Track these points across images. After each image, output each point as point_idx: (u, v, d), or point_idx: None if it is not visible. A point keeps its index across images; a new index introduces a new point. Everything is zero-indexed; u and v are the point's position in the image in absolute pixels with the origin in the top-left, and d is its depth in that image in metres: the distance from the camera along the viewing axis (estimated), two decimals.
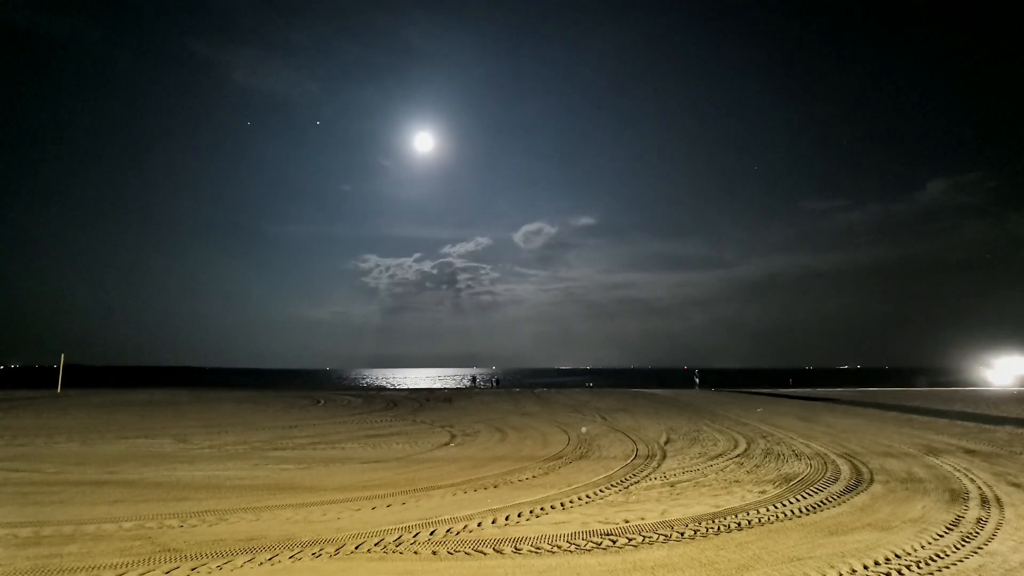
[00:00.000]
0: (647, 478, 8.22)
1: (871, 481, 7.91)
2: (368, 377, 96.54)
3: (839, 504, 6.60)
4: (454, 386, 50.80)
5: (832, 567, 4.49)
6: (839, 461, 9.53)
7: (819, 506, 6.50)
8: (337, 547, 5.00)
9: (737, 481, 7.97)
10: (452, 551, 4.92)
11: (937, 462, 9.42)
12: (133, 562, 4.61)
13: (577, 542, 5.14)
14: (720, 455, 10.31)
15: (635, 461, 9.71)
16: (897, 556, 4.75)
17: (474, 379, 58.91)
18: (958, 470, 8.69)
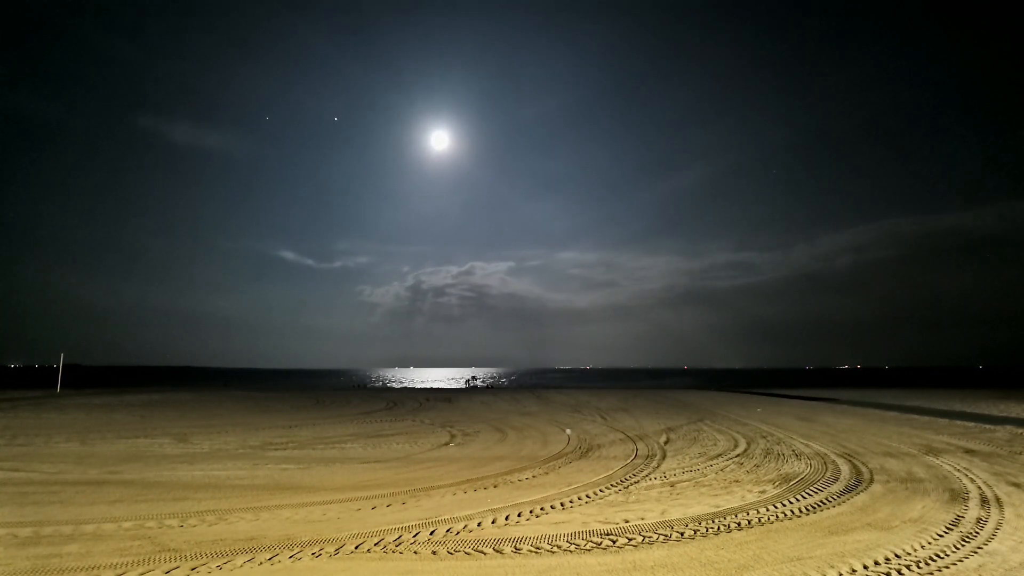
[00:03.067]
0: (647, 478, 8.21)
1: (871, 481, 7.91)
2: (368, 378, 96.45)
3: (839, 504, 6.60)
4: (454, 386, 50.77)
5: (832, 567, 4.49)
6: (839, 461, 9.53)
7: (819, 506, 6.50)
8: (337, 547, 5.00)
9: (737, 481, 7.96)
10: (452, 551, 4.91)
11: (937, 462, 9.42)
12: (133, 562, 4.60)
13: (577, 542, 5.14)
14: (720, 455, 10.31)
15: (635, 461, 9.70)
16: (897, 556, 4.75)
17: (474, 379, 58.82)
18: (958, 470, 8.68)
